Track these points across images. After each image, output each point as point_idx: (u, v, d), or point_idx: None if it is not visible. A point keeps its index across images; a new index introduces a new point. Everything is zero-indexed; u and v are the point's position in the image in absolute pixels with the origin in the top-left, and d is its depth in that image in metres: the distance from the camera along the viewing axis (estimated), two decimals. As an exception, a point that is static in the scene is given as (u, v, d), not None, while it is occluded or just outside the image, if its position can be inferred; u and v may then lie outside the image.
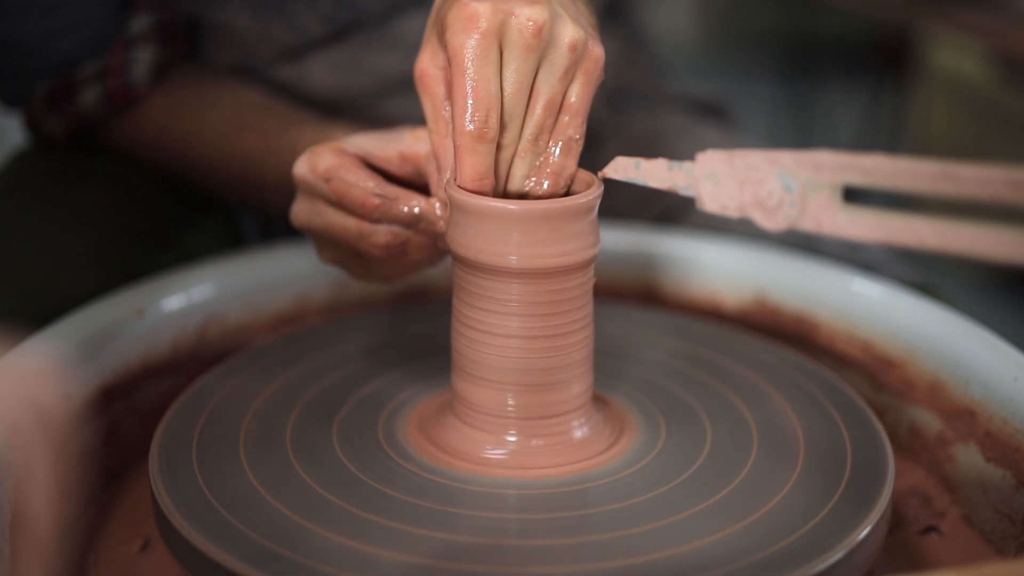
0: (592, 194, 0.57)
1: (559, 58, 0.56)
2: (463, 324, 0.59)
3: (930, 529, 0.65)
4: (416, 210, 0.60)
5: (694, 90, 1.09)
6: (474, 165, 0.56)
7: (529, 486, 0.57)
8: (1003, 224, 0.47)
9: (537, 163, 0.58)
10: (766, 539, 0.52)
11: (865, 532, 0.53)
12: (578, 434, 0.60)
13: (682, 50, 3.73)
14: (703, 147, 0.57)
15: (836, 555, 0.51)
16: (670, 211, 0.93)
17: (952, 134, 2.39)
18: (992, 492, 0.65)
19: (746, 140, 1.03)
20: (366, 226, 0.61)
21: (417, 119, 0.62)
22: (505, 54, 0.55)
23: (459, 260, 0.58)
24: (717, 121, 1.06)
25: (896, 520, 0.65)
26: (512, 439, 0.59)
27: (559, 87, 0.56)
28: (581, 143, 0.59)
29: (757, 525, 0.54)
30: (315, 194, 0.63)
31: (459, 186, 0.57)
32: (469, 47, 0.54)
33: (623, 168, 0.57)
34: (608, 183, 0.58)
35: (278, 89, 0.89)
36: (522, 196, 0.59)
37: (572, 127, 0.58)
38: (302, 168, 0.63)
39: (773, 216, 0.53)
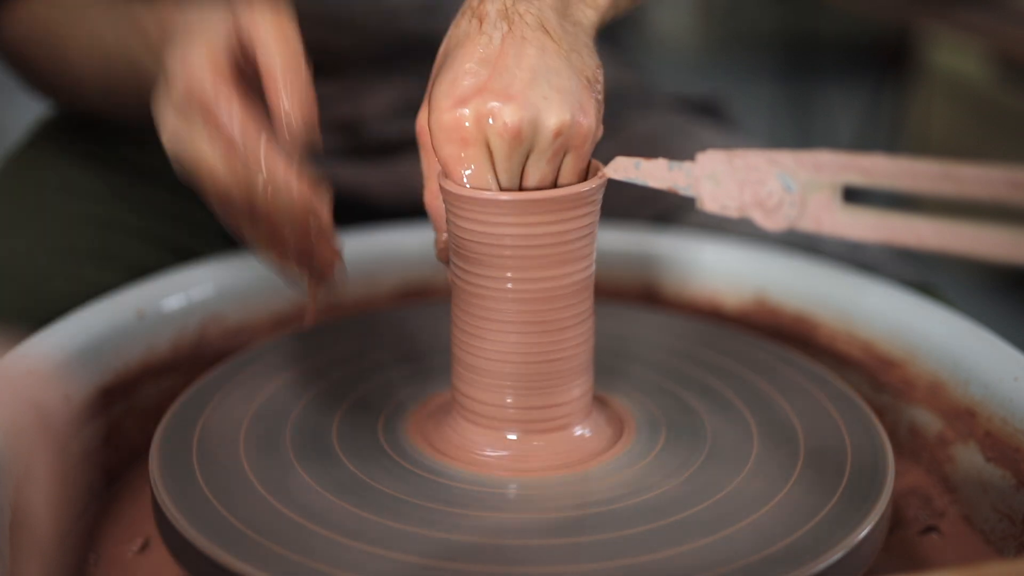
0: (592, 184, 0.57)
1: (544, 145, 0.54)
2: (463, 326, 0.59)
3: (930, 529, 0.65)
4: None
5: (689, 90, 1.09)
6: None
7: (529, 486, 0.57)
8: (1003, 224, 0.47)
9: None
10: (766, 539, 0.52)
11: (865, 532, 0.53)
12: (578, 434, 0.60)
13: (682, 50, 3.74)
14: (701, 147, 0.57)
15: (836, 555, 0.51)
16: (670, 211, 0.93)
17: (952, 134, 2.39)
18: (992, 492, 0.65)
19: (744, 139, 1.03)
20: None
21: None
22: (493, 152, 0.54)
23: (446, 194, 0.57)
24: (714, 121, 1.06)
25: (896, 520, 0.65)
26: (512, 439, 0.59)
27: (548, 170, 0.55)
28: None
29: (757, 525, 0.54)
30: (190, 110, 0.59)
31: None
32: (457, 160, 0.55)
33: (623, 168, 0.57)
34: (608, 183, 0.58)
35: None
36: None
37: None
38: (177, 79, 0.59)
39: (773, 216, 0.53)
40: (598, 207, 0.57)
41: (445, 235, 0.59)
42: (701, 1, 4.03)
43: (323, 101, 0.87)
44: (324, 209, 0.58)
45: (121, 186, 0.87)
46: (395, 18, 0.87)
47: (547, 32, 0.55)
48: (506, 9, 0.55)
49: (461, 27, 0.56)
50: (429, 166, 0.60)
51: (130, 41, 0.73)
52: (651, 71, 1.10)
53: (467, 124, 0.53)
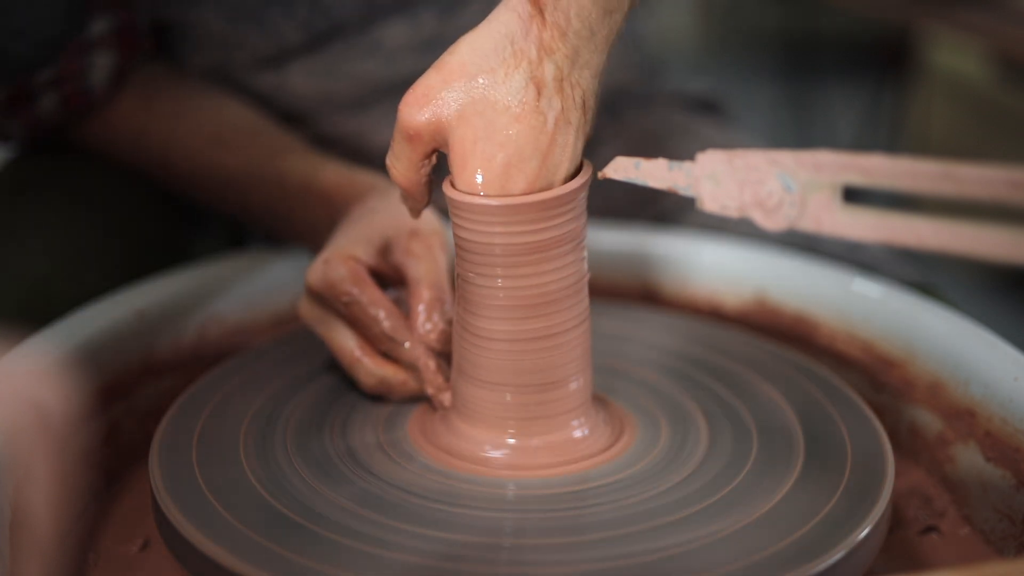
0: (579, 181, 0.57)
1: None
2: (462, 327, 0.59)
3: (930, 529, 0.65)
4: (417, 361, 0.63)
5: (688, 87, 1.09)
6: None
7: (529, 486, 0.57)
8: (1003, 224, 0.47)
9: None
10: (766, 539, 0.52)
11: (865, 532, 0.53)
12: (578, 434, 0.60)
13: (682, 50, 3.73)
14: (701, 144, 0.57)
15: (836, 555, 0.51)
16: (670, 211, 0.93)
17: (952, 134, 2.39)
18: (992, 492, 0.65)
19: (742, 135, 1.03)
20: (362, 361, 0.64)
21: None
22: None
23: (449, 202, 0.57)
24: (713, 117, 1.06)
25: (896, 520, 0.65)
26: (512, 439, 0.59)
27: None
28: None
29: (757, 525, 0.54)
30: (326, 304, 0.64)
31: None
32: None
33: (623, 168, 0.57)
34: (608, 183, 0.58)
35: (258, 98, 0.88)
36: None
37: None
38: (315, 277, 0.64)
39: (773, 216, 0.53)
40: (582, 206, 0.57)
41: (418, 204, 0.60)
42: (701, 1, 4.03)
43: (330, 142, 0.88)
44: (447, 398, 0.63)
45: (122, 188, 0.87)
46: (394, 60, 0.88)
47: (584, 110, 0.56)
48: (561, 79, 0.55)
49: (514, 83, 0.54)
50: (399, 145, 0.57)
51: (269, 191, 0.79)
52: (649, 63, 1.09)
53: None
